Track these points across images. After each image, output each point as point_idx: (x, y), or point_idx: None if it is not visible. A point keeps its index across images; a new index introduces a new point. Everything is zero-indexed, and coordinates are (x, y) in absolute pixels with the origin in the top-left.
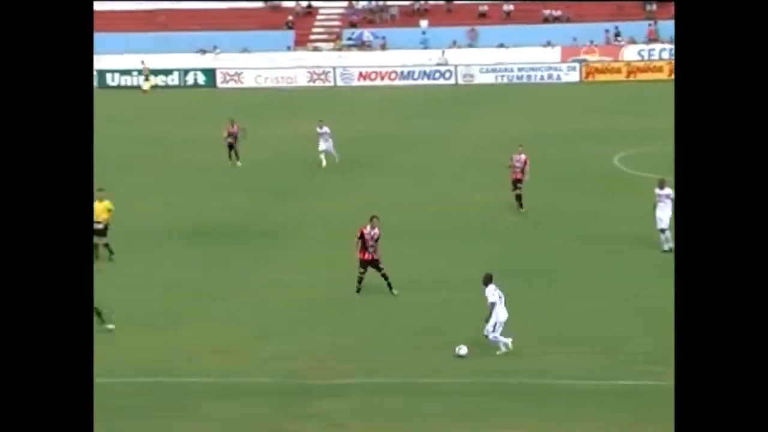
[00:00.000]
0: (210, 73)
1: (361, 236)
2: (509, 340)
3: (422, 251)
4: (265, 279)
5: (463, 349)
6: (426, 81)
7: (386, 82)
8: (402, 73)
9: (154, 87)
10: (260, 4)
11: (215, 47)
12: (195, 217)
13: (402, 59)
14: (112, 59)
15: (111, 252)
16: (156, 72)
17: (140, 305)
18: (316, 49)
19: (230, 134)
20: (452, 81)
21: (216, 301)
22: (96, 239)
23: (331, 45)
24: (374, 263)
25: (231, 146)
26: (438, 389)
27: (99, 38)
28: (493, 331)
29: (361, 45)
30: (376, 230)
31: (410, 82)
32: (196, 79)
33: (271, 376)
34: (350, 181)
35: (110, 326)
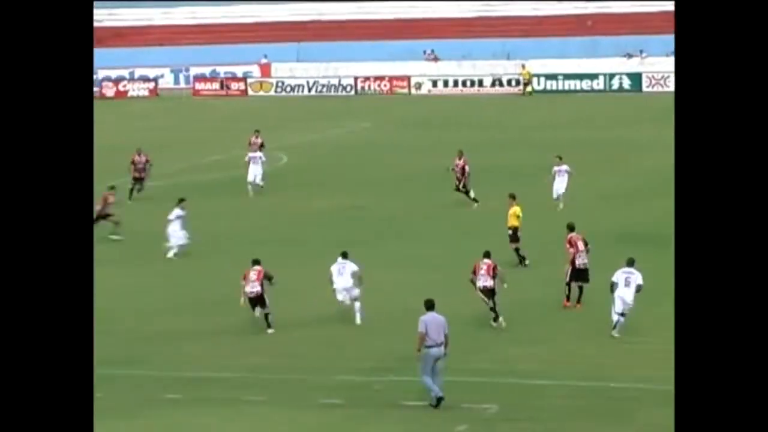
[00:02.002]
0: (636, 78)
1: None
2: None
3: None
4: None
5: None
6: None
7: None
8: None
9: (532, 92)
10: None
11: (641, 51)
12: (622, 221)
13: None
14: (540, 63)
15: (522, 259)
16: (581, 76)
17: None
18: None
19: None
20: None
21: (654, 307)
22: (513, 245)
23: None
24: None
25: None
26: None
27: (528, 43)
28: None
29: None
30: None
31: None
32: (621, 84)
33: None
34: None
35: None
